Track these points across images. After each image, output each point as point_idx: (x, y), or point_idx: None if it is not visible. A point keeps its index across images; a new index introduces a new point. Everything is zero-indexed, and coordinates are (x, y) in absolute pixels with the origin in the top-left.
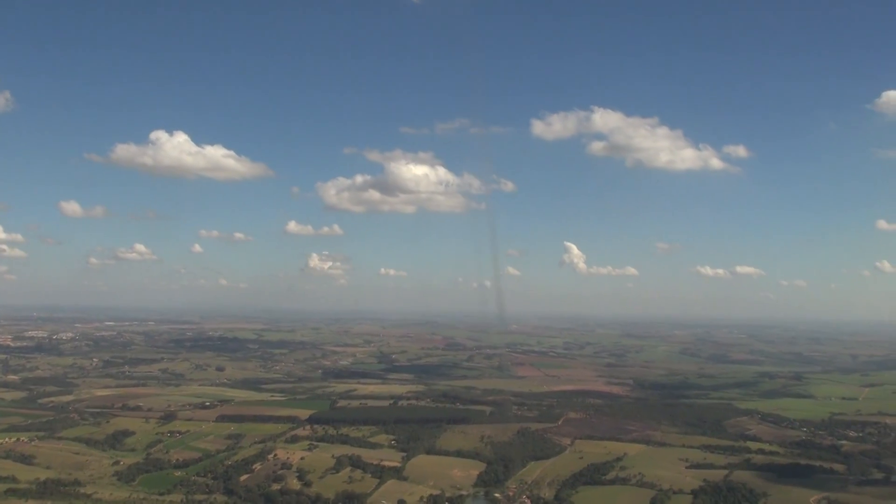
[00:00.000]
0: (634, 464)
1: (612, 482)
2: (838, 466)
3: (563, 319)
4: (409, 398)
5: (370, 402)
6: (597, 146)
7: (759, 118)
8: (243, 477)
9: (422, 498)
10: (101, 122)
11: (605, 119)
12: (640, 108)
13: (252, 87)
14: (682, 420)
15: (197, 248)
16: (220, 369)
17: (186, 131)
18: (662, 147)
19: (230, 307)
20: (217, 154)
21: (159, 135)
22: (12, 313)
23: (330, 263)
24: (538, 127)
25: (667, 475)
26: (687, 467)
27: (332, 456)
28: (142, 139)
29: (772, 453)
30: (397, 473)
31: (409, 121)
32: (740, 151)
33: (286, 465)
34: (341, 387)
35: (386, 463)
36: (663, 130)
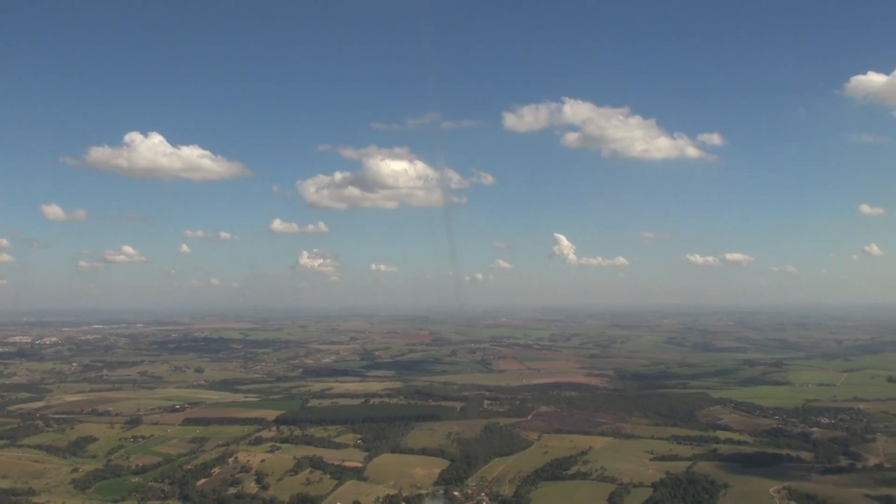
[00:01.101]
0: (599, 457)
1: (574, 477)
2: (806, 454)
3: (553, 311)
4: (382, 396)
5: (342, 401)
6: (571, 137)
7: (731, 106)
8: (200, 481)
9: (378, 498)
10: (75, 125)
11: (575, 110)
12: (610, 98)
13: (225, 87)
14: (655, 411)
15: (184, 248)
16: (199, 371)
17: (161, 132)
18: (636, 137)
19: (222, 307)
20: (193, 154)
21: (134, 136)
22: (1, 318)
23: (320, 261)
24: (510, 119)
25: (629, 468)
26: (651, 459)
27: (294, 457)
28: (116, 141)
29: (740, 443)
30: (358, 474)
31: (380, 116)
32: (715, 139)
33: (245, 468)
34: (318, 385)
35: (347, 463)
36: (636, 120)
